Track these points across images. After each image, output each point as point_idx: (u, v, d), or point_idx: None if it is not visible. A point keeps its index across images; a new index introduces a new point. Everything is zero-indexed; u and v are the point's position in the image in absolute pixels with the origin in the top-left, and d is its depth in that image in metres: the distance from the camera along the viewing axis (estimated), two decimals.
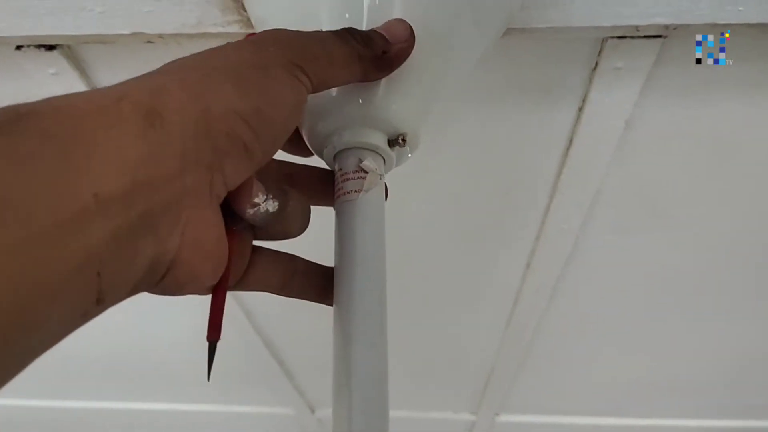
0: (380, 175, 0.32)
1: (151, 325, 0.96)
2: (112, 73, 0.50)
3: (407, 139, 0.33)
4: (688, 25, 0.42)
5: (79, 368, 1.12)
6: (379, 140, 0.33)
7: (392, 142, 0.33)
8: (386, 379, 0.28)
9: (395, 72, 0.31)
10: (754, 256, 0.74)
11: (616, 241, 0.72)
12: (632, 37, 0.45)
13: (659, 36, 0.45)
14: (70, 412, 1.31)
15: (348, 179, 0.32)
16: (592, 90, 0.50)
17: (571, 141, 0.57)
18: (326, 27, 0.30)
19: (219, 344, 0.29)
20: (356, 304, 0.30)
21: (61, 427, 1.36)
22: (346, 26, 0.30)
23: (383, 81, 0.32)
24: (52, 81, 0.49)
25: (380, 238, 0.32)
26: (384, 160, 0.33)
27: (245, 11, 0.40)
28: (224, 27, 0.42)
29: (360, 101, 0.32)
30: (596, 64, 0.49)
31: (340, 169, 0.33)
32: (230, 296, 0.83)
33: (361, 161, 0.32)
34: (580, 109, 0.53)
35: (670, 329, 0.92)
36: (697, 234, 0.70)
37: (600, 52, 0.47)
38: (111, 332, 0.96)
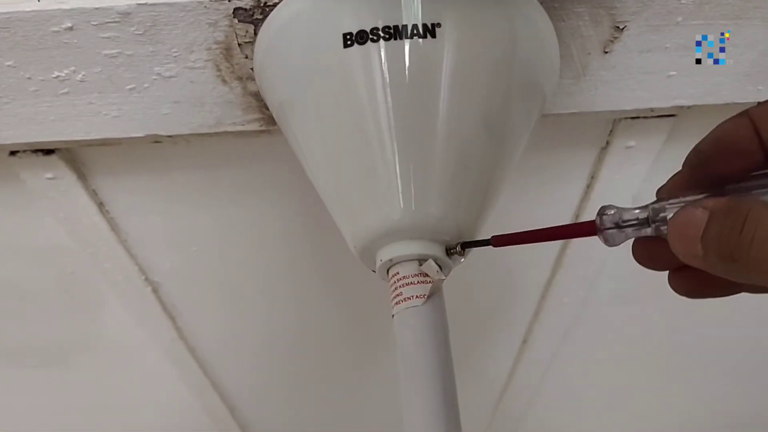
0: (442, 279, 0.30)
1: None
2: (112, 175, 0.47)
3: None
4: (704, 105, 0.42)
5: None
6: (438, 251, 0.31)
7: (450, 251, 0.32)
8: None
9: (451, 181, 0.31)
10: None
11: (615, 312, 0.72)
12: (646, 117, 0.46)
13: (672, 115, 0.45)
14: None
15: (408, 284, 0.30)
16: (603, 168, 0.50)
17: (577, 217, 0.56)
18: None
19: None
20: (430, 423, 0.27)
21: None
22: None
23: (440, 191, 0.31)
24: (48, 186, 0.46)
25: (448, 346, 0.30)
26: (441, 266, 0.32)
27: (267, 109, 0.39)
28: (244, 125, 0.40)
29: (418, 213, 0.31)
30: (607, 143, 0.49)
31: (397, 273, 0.31)
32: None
33: (420, 264, 0.31)
34: (589, 186, 0.53)
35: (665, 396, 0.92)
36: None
37: (611, 131, 0.48)
38: None
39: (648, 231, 0.27)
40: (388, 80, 0.30)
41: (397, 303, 0.30)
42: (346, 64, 0.30)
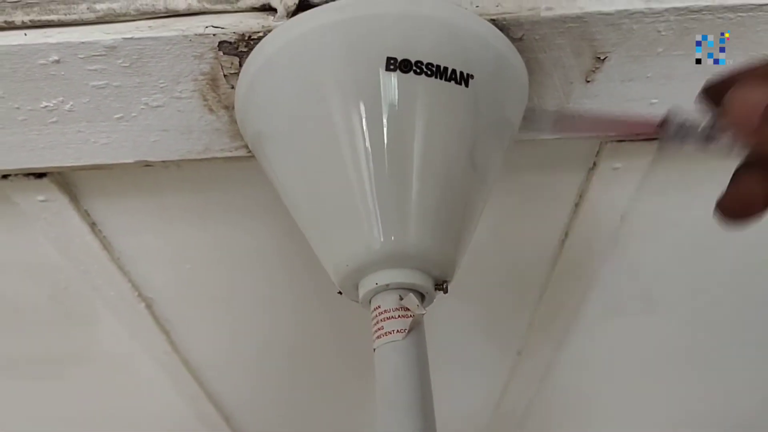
0: (422, 313, 0.31)
1: None
2: (105, 197, 0.48)
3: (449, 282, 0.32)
4: None
5: None
6: (429, 284, 0.32)
7: (437, 287, 0.32)
8: None
9: (443, 213, 0.31)
10: (737, 326, 0.76)
11: (608, 326, 0.72)
12: (631, 140, 0.46)
13: (656, 139, 0.46)
14: None
15: (389, 318, 0.31)
16: (591, 188, 0.51)
17: (566, 234, 0.57)
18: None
19: None
20: None
21: None
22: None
23: (419, 221, 0.31)
24: (41, 208, 0.46)
25: (427, 380, 0.30)
26: (423, 298, 0.32)
27: None
28: (231, 152, 0.41)
29: (398, 242, 0.31)
30: (594, 164, 0.49)
31: (378, 307, 0.32)
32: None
33: (401, 298, 0.31)
34: (577, 205, 0.54)
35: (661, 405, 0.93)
36: (683, 312, 0.71)
37: (598, 153, 0.48)
38: None
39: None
40: (402, 112, 0.31)
41: (378, 337, 0.31)
42: (366, 90, 0.30)
